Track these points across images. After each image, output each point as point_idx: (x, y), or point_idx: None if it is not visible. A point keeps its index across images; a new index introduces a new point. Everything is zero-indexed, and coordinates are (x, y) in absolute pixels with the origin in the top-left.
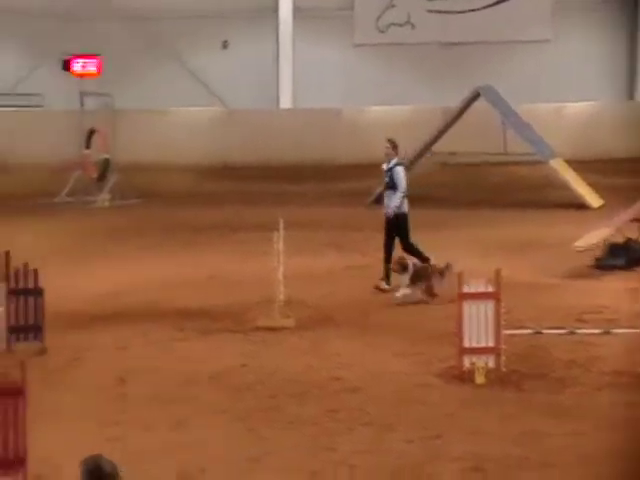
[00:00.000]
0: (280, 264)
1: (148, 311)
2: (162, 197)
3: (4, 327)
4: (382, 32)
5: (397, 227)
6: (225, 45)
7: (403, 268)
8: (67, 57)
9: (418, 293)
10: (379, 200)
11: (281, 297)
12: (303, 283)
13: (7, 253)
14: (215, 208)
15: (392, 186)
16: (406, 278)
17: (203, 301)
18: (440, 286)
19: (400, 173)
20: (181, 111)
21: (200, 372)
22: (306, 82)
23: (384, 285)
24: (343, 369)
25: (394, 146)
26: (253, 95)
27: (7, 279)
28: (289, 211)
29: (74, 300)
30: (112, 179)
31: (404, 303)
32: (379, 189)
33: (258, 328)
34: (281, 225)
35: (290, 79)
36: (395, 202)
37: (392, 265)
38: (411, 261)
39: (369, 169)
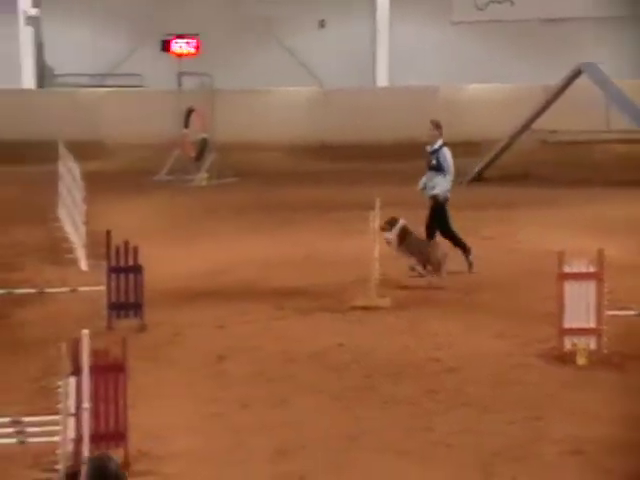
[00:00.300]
0: (376, 243)
1: (246, 289)
2: (259, 176)
3: (105, 304)
4: (481, 10)
5: (434, 209)
6: (322, 24)
7: (391, 225)
8: (166, 38)
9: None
10: (477, 179)
11: (377, 276)
12: (399, 262)
13: (108, 232)
14: (312, 187)
15: (438, 168)
16: (392, 234)
17: (300, 280)
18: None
19: (447, 154)
20: (278, 91)
21: (298, 351)
22: (403, 60)
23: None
24: (440, 349)
25: (437, 126)
26: (350, 74)
27: (108, 257)
28: (385, 190)
29: (173, 278)
30: (210, 158)
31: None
32: (477, 168)
33: (355, 307)
34: (377, 204)
35: (387, 57)
36: (446, 186)
37: (382, 224)
38: (403, 221)
39: (466, 147)
